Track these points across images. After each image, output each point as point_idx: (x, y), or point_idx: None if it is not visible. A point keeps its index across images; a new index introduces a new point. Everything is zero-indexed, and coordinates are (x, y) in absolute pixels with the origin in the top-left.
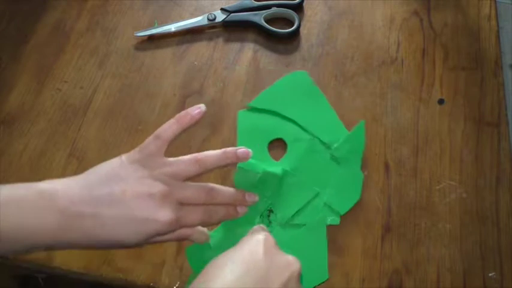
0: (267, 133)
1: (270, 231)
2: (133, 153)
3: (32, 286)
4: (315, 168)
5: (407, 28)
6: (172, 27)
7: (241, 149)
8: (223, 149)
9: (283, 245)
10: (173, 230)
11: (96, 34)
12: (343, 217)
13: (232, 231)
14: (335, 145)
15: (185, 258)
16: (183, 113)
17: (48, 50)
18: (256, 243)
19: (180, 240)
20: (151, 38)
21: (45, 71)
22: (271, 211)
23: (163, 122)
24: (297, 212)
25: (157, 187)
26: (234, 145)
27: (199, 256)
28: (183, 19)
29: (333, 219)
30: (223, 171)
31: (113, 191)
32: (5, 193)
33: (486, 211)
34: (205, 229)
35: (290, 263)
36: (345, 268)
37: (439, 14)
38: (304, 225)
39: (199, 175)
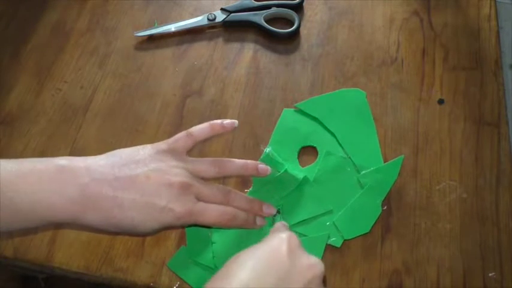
0: (303, 138)
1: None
2: (161, 144)
3: (32, 286)
4: (336, 186)
5: (407, 28)
6: (172, 27)
7: (262, 165)
8: (245, 161)
9: None
10: (186, 225)
11: (96, 34)
12: None
13: None
14: (365, 171)
15: None
16: (217, 121)
17: (48, 50)
18: (279, 242)
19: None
20: (151, 38)
21: (45, 71)
22: (278, 212)
23: (164, 122)
24: (303, 221)
25: (178, 178)
26: (234, 144)
27: (197, 232)
28: (183, 19)
29: (335, 241)
30: None
31: (136, 175)
32: (26, 166)
33: (486, 211)
34: None
35: (313, 264)
36: (345, 268)
37: (439, 14)
38: (306, 236)
39: (217, 178)
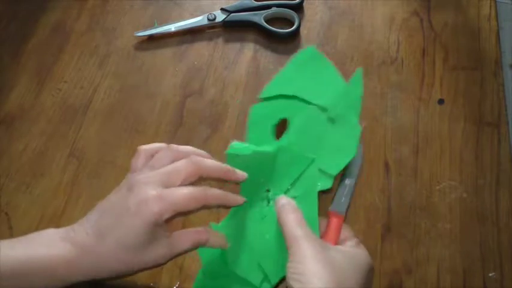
0: (271, 118)
1: (268, 210)
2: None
3: None
4: (311, 136)
5: (407, 28)
6: (172, 27)
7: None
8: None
9: (276, 221)
10: (170, 216)
11: (96, 34)
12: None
13: (240, 219)
14: (330, 105)
15: (185, 258)
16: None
17: (48, 50)
18: None
19: (197, 246)
20: (151, 38)
21: (45, 71)
22: (268, 190)
23: (164, 122)
24: (291, 184)
25: (139, 176)
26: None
27: (210, 250)
28: (183, 19)
29: (324, 184)
30: None
31: (102, 204)
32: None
33: (486, 211)
34: (221, 233)
35: None
36: None
37: (439, 14)
38: (296, 196)
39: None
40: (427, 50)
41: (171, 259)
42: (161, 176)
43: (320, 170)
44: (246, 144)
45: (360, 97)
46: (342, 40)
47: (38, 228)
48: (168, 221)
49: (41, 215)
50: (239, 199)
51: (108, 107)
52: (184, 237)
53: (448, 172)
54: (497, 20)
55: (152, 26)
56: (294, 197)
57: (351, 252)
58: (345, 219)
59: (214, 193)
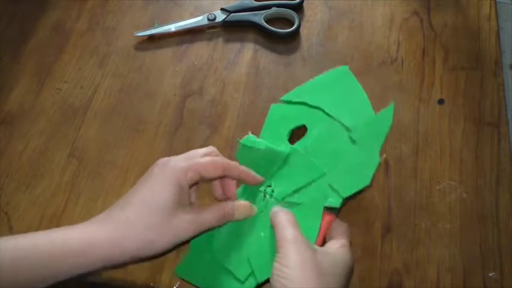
0: (291, 121)
1: (264, 205)
2: None
3: None
4: (328, 150)
5: (407, 28)
6: (172, 27)
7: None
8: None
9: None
10: (192, 177)
11: (96, 34)
12: (343, 216)
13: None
14: (355, 127)
15: None
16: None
17: (48, 50)
18: None
19: (223, 221)
20: (151, 38)
21: (45, 71)
22: (269, 186)
23: (164, 122)
24: (296, 190)
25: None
26: (234, 145)
27: (200, 240)
28: (183, 19)
29: (333, 201)
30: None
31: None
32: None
33: (486, 211)
34: (246, 202)
35: None
36: None
37: (439, 14)
38: (300, 203)
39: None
40: (427, 50)
41: (196, 234)
42: (184, 156)
43: (330, 186)
44: (260, 140)
45: (387, 130)
46: (342, 40)
47: (38, 228)
48: (192, 186)
49: (41, 215)
50: (258, 177)
51: (108, 107)
52: (211, 210)
53: (448, 172)
54: (497, 20)
55: (152, 26)
56: (298, 204)
57: (336, 254)
58: (337, 216)
59: (235, 164)
